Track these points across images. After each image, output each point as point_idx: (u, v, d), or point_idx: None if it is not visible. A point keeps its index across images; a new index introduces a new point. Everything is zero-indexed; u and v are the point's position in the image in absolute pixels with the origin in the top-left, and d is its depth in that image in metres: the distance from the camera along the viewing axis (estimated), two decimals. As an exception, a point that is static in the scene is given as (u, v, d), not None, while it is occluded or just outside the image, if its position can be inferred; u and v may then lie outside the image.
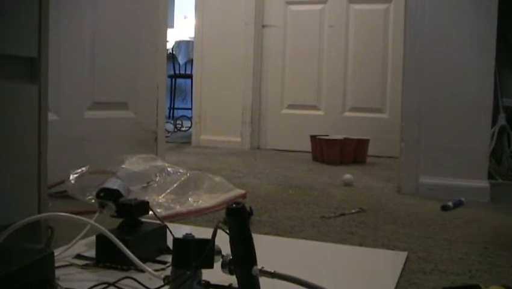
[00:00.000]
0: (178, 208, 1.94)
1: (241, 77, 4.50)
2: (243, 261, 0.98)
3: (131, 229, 1.33)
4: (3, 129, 1.31)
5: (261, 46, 4.54)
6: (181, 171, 2.19)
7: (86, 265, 1.26)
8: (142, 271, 1.18)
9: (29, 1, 1.36)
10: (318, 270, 1.36)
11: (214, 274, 1.01)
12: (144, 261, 1.21)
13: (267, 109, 4.55)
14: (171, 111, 6.71)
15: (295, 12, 4.46)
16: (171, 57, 6.22)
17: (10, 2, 1.30)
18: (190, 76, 5.68)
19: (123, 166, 2.11)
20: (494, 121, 2.67)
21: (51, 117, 1.68)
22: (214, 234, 1.00)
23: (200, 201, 2.05)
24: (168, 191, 2.06)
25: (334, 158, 3.62)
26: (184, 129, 6.12)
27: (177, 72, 6.44)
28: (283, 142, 4.46)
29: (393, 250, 1.58)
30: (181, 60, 6.37)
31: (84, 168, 2.06)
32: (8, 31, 1.31)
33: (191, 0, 4.93)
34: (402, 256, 1.48)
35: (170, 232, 1.35)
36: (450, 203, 2.22)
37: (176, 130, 6.02)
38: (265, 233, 1.71)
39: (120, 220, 1.35)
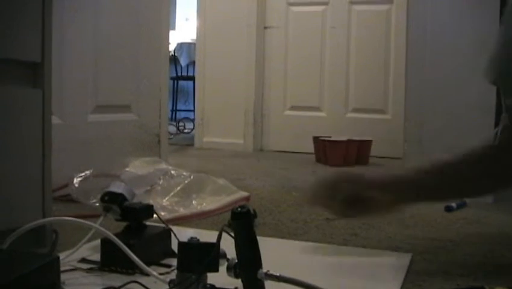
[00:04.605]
0: (182, 211, 1.94)
1: (244, 79, 4.50)
2: (248, 264, 0.98)
3: (135, 232, 1.33)
4: (7, 134, 1.31)
5: (263, 48, 4.55)
6: (184, 173, 2.19)
7: (91, 269, 1.26)
8: (147, 274, 1.18)
9: (32, 5, 1.36)
10: (322, 272, 1.36)
11: (219, 277, 1.01)
12: (149, 264, 1.21)
13: (269, 111, 4.55)
14: (174, 113, 6.73)
15: (297, 13, 4.46)
16: (174, 59, 6.23)
17: (13, 6, 1.31)
18: (192, 78, 5.69)
19: (127, 169, 2.11)
20: (497, 122, 2.66)
21: (55, 120, 1.68)
22: (219, 237, 1.00)
23: (204, 204, 2.05)
24: (172, 194, 2.06)
25: (337, 160, 3.62)
26: (186, 131, 6.13)
27: (179, 74, 6.45)
28: (286, 143, 4.46)
29: (397, 251, 1.57)
30: (183, 62, 6.39)
31: (87, 172, 2.07)
32: (11, 35, 1.31)
33: (193, 2, 4.93)
34: (406, 257, 1.48)
35: (175, 235, 1.35)
36: (453, 204, 2.21)
37: (178, 132, 6.02)
38: (269, 236, 1.70)
39: (124, 224, 1.35)
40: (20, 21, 1.33)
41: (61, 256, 1.20)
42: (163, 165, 2.25)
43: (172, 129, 5.49)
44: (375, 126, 4.17)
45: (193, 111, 5.19)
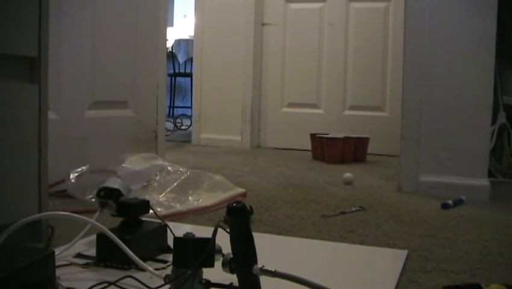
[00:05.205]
0: (178, 207, 1.94)
1: (241, 76, 4.50)
2: (243, 259, 0.98)
3: (131, 228, 1.33)
4: (3, 129, 1.31)
5: (261, 44, 4.54)
6: (181, 170, 2.19)
7: (87, 264, 1.26)
8: (143, 270, 1.18)
9: (29, 1, 1.36)
10: (318, 268, 1.36)
11: (214, 273, 1.01)
12: (144, 260, 1.21)
13: (267, 108, 4.55)
14: (171, 110, 6.71)
15: (295, 10, 4.46)
16: (171, 56, 6.21)
17: (10, 2, 1.30)
18: (190, 75, 5.68)
19: (124, 165, 2.11)
20: (494, 120, 2.67)
21: (51, 116, 1.69)
22: (215, 233, 1.00)
23: (201, 200, 2.05)
24: (169, 190, 2.06)
25: (334, 157, 3.62)
26: (183, 127, 6.12)
27: (177, 71, 6.44)
28: (283, 140, 4.46)
29: (393, 248, 1.58)
30: (181, 59, 6.37)
31: (84, 168, 2.07)
32: (8, 30, 1.31)
33: (191, -2, 4.92)
34: (402, 254, 1.48)
35: (171, 231, 1.35)
36: (450, 202, 2.22)
37: (176, 129, 6.02)
38: (266, 232, 1.71)
39: (120, 219, 1.35)
40: (17, 17, 1.33)
41: (57, 251, 1.21)
42: (160, 161, 2.25)
43: (169, 125, 5.48)
44: (372, 124, 4.18)
45: (191, 107, 5.17)
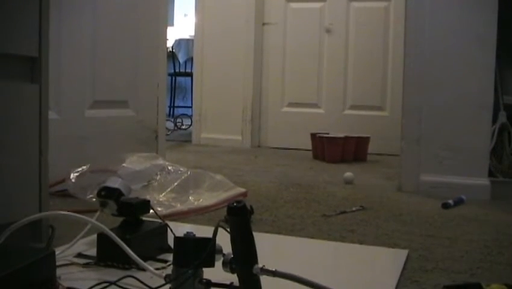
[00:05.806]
0: (179, 207, 1.94)
1: (242, 75, 4.50)
2: (244, 259, 0.98)
3: (132, 227, 1.33)
4: (4, 128, 1.31)
5: (261, 44, 4.54)
6: (181, 169, 2.19)
7: (87, 264, 1.26)
8: (143, 269, 1.18)
9: (30, 1, 1.36)
10: (319, 268, 1.36)
11: (215, 272, 1.01)
12: (145, 259, 1.21)
13: (267, 107, 4.55)
14: (172, 109, 6.71)
15: (295, 10, 4.46)
16: (172, 55, 6.21)
17: (11, 1, 1.30)
18: (190, 74, 5.68)
19: (124, 165, 2.11)
20: (494, 119, 2.66)
21: (52, 116, 1.69)
22: (215, 233, 1.00)
23: (201, 199, 2.05)
24: (169, 189, 2.06)
25: (335, 156, 3.62)
26: (184, 127, 6.12)
27: (177, 70, 6.44)
28: (283, 140, 4.46)
29: (393, 248, 1.58)
30: (181, 58, 6.36)
31: (84, 167, 2.07)
32: (8, 30, 1.31)
33: (192, -2, 4.92)
34: (402, 254, 1.48)
35: (171, 230, 1.35)
36: (451, 201, 2.22)
37: (176, 128, 6.01)
38: (266, 232, 1.71)
39: (121, 219, 1.35)
40: (18, 17, 1.33)
41: (57, 250, 1.21)
42: (160, 161, 2.25)
43: (170, 125, 5.48)
44: (373, 123, 4.18)
45: (191, 107, 5.18)
